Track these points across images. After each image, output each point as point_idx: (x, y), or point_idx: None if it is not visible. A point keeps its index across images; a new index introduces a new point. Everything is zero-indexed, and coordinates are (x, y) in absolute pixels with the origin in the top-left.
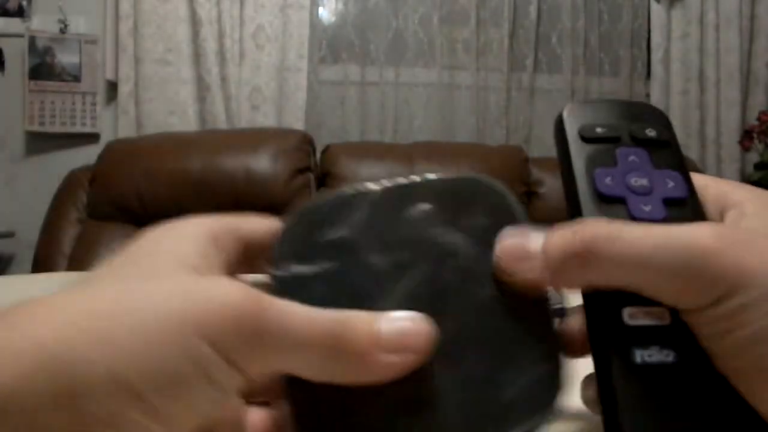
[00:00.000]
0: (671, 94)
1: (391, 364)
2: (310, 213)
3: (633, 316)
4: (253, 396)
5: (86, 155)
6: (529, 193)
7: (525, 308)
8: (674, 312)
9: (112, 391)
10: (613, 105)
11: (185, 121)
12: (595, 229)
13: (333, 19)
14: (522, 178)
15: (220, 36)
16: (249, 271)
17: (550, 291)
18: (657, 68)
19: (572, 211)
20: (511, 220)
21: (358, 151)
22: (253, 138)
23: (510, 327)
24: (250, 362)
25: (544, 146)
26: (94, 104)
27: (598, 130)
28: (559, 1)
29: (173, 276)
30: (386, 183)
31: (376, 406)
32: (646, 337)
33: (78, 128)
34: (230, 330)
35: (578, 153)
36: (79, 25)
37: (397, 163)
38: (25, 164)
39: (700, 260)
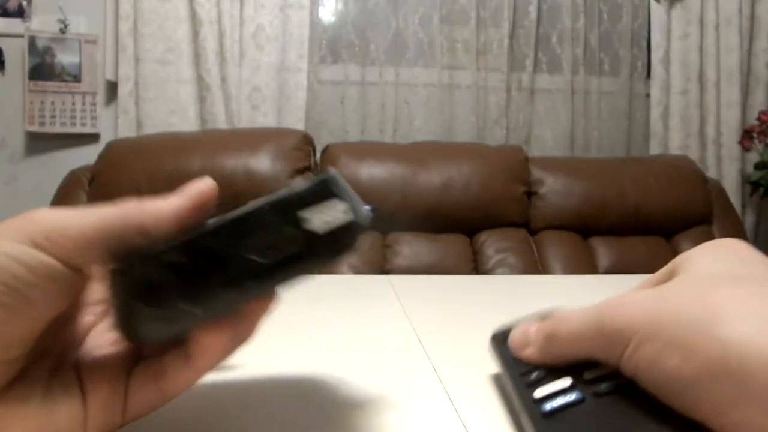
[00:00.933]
0: (671, 94)
1: (188, 197)
2: None
3: (540, 392)
4: None
5: (86, 155)
6: (529, 193)
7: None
8: (576, 376)
9: None
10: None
11: (185, 121)
12: (551, 322)
13: (333, 19)
14: (522, 178)
15: (220, 36)
16: None
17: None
18: (657, 68)
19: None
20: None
21: (358, 151)
22: (253, 138)
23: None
24: (62, 251)
25: (544, 146)
26: (94, 104)
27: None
28: (559, 1)
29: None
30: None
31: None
32: (550, 397)
33: (78, 128)
34: (34, 231)
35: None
36: (79, 25)
37: (396, 163)
38: (25, 164)
39: (599, 324)
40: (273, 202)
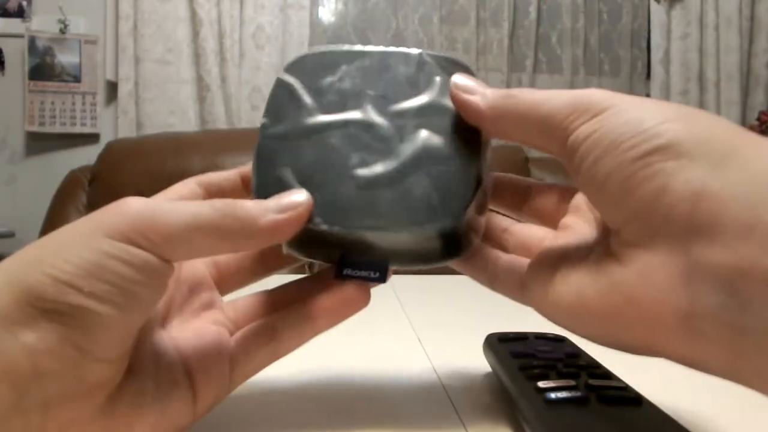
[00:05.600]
0: (671, 94)
1: (279, 222)
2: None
3: (544, 383)
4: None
5: (86, 155)
6: None
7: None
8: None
9: (51, 287)
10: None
11: (185, 121)
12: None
13: (333, 19)
14: None
15: (220, 36)
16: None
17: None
18: (657, 68)
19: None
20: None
21: None
22: (253, 138)
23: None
24: (155, 246)
25: None
26: (94, 104)
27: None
28: (559, 1)
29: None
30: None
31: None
32: (554, 389)
33: (78, 128)
34: (127, 227)
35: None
36: (79, 25)
37: None
38: (25, 164)
39: (572, 94)
40: None
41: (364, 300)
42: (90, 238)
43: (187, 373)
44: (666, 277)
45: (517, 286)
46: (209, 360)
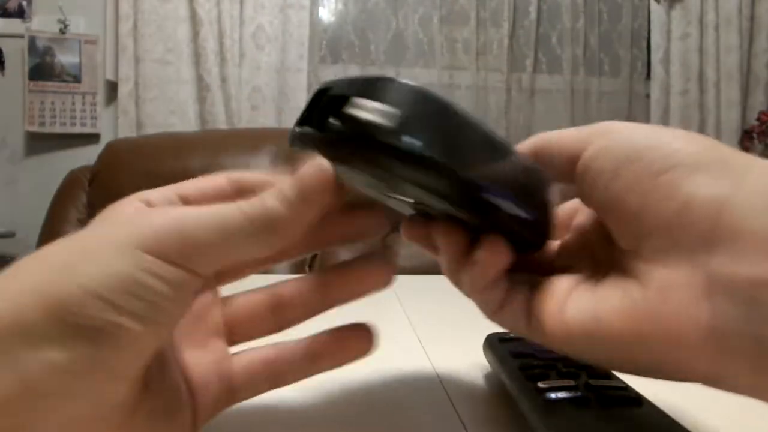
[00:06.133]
0: (671, 94)
1: (306, 187)
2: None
3: (544, 384)
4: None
5: (86, 155)
6: None
7: None
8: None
9: (86, 302)
10: None
11: (185, 121)
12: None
13: (333, 19)
14: None
15: (220, 36)
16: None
17: None
18: (657, 68)
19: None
20: None
21: None
22: (253, 138)
23: None
24: (188, 261)
25: None
26: (94, 104)
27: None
28: (559, 1)
29: (124, 214)
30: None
31: None
32: (554, 389)
33: (78, 128)
34: (160, 241)
35: (501, 351)
36: (79, 25)
37: None
38: (25, 164)
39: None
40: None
41: (369, 346)
42: (124, 250)
43: (190, 391)
44: (687, 293)
45: (524, 315)
46: (210, 380)
